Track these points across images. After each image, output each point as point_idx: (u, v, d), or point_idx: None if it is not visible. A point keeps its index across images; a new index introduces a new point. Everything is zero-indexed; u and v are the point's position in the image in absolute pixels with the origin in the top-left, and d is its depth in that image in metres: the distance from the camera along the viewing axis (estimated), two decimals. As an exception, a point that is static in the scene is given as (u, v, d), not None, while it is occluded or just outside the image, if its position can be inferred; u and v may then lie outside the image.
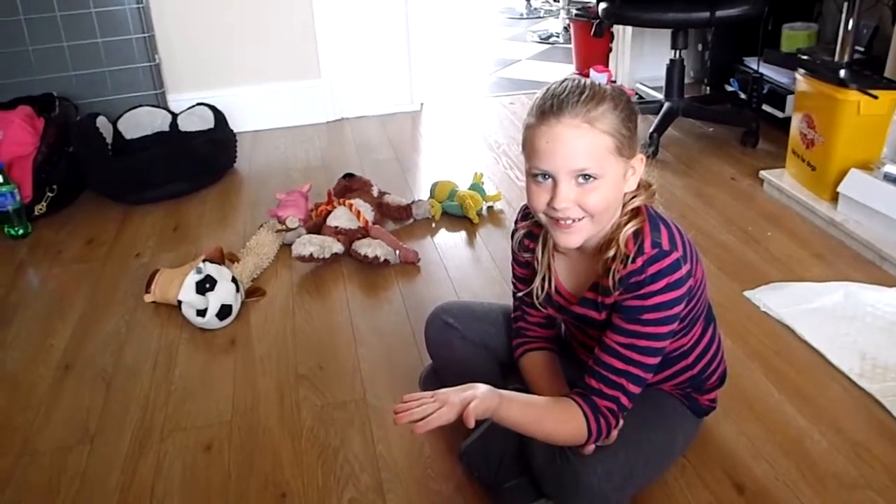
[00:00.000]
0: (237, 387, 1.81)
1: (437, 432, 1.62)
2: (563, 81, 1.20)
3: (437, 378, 1.65)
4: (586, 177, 1.16)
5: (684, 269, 1.22)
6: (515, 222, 1.43)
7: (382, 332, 1.99)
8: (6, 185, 2.54)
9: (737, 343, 1.87)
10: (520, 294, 1.44)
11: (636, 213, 1.25)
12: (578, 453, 1.26)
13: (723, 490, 1.47)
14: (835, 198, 2.43)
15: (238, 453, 1.60)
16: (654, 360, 1.26)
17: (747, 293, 2.07)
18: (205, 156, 2.94)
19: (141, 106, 3.12)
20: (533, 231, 1.38)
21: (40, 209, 2.71)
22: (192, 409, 1.75)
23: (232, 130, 3.13)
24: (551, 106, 1.16)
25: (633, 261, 1.21)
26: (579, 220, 1.20)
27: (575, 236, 1.22)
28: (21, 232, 2.60)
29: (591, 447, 1.26)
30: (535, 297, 1.38)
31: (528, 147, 1.20)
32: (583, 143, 1.15)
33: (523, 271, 1.44)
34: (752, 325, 1.95)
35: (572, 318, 1.36)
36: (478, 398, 1.18)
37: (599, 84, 1.19)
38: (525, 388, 1.52)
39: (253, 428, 1.68)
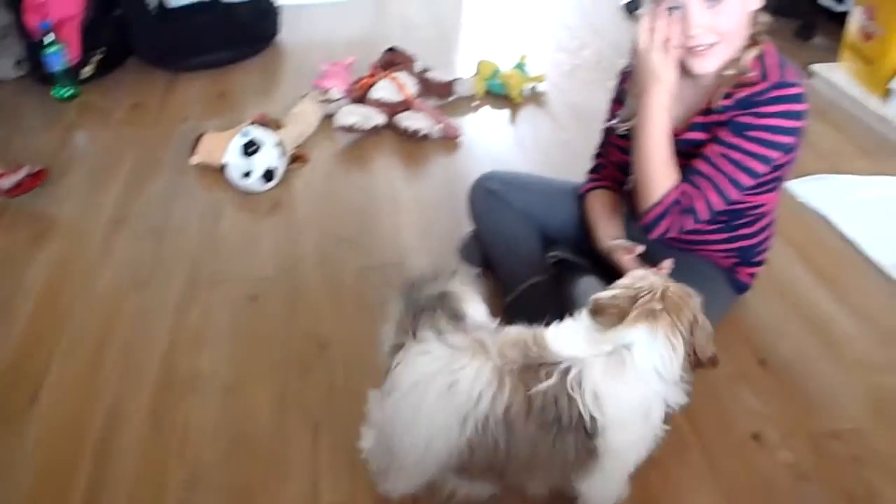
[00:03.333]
0: (280, 246, 1.88)
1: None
2: None
3: (477, 244, 1.70)
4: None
5: (804, 105, 1.27)
6: (623, 70, 1.48)
7: (422, 202, 2.03)
8: (54, 44, 2.56)
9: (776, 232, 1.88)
10: (612, 123, 1.48)
11: (756, 41, 1.28)
12: None
13: (746, 363, 1.52)
14: (887, 93, 2.38)
15: (281, 306, 1.68)
16: (744, 180, 1.29)
17: (787, 184, 2.06)
18: (248, 24, 2.93)
19: (184, -27, 3.10)
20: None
21: (87, 72, 2.74)
22: (237, 264, 1.82)
23: (274, 1, 3.10)
24: None
25: (758, 83, 1.26)
26: (713, 44, 1.24)
27: (710, 60, 1.27)
28: (69, 93, 2.64)
29: (648, 218, 1.33)
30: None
31: None
32: None
33: (620, 107, 1.46)
34: (791, 215, 1.94)
35: (678, 149, 1.36)
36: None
37: None
38: (565, 256, 1.58)
39: (295, 284, 1.75)
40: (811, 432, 1.39)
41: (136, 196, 2.09)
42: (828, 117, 2.46)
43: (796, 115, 1.27)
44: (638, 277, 1.11)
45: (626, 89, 1.42)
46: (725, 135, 1.28)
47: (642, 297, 1.06)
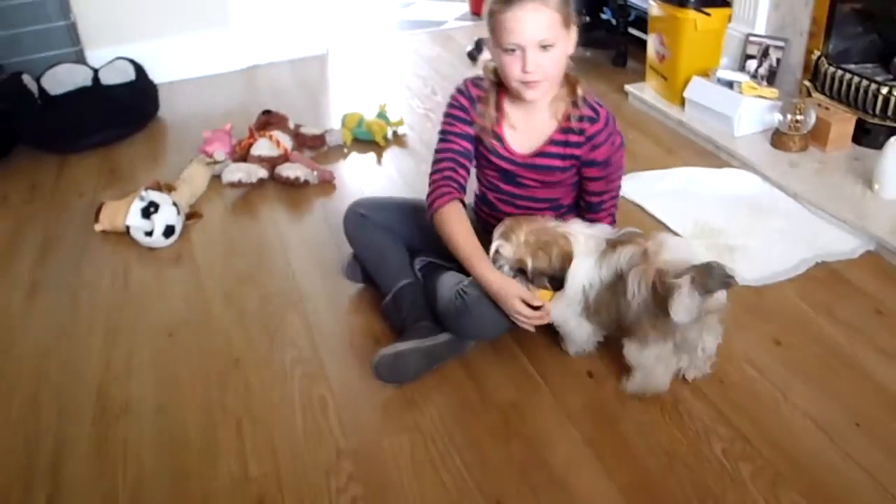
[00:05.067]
0: (188, 290, 2.15)
1: (358, 306, 2.02)
2: None
3: (357, 263, 2.03)
4: (546, 46, 1.56)
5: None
6: (461, 93, 1.76)
7: (308, 237, 2.36)
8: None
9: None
10: (459, 150, 1.75)
11: (576, 79, 1.70)
12: (470, 294, 1.68)
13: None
14: (682, 102, 2.89)
15: (196, 336, 1.95)
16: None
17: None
18: (129, 104, 3.18)
19: (61, 63, 3.32)
20: (482, 96, 1.74)
21: (-23, 163, 2.92)
22: (152, 308, 2.08)
23: (152, 81, 3.37)
24: None
25: (597, 119, 1.68)
26: (540, 81, 1.62)
27: (538, 91, 1.64)
28: (-36, 184, 2.82)
29: None
30: (486, 148, 1.75)
31: (499, 29, 1.57)
32: (542, 19, 1.53)
33: (464, 128, 1.75)
34: (611, 207, 2.38)
35: (526, 170, 1.75)
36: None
37: None
38: (429, 260, 1.92)
39: (206, 317, 2.03)
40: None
41: (47, 264, 2.31)
42: (641, 127, 2.95)
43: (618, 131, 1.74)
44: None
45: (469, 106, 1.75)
46: (600, 171, 1.75)
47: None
